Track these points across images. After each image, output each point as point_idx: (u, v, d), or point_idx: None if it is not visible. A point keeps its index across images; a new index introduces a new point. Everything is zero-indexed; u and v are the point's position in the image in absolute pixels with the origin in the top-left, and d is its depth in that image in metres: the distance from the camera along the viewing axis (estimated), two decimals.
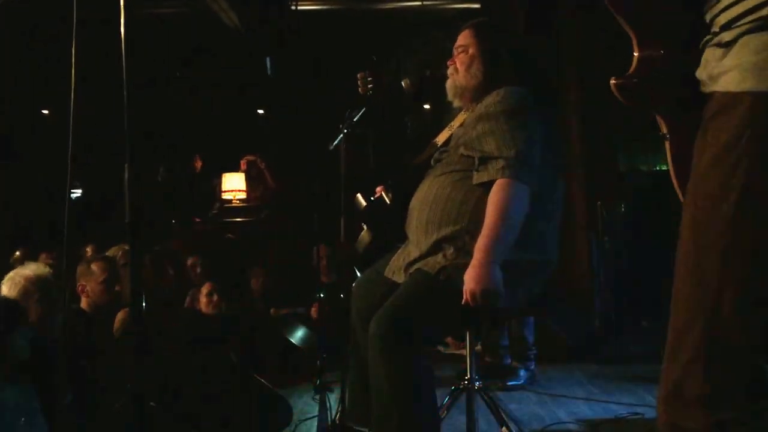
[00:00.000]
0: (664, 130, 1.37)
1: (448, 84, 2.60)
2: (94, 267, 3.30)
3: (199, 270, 5.09)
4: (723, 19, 1.22)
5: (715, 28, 1.24)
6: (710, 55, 1.24)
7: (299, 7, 7.24)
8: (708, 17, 1.26)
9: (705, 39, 1.26)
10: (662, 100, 1.37)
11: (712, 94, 1.23)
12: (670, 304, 1.28)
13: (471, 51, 2.53)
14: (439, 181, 2.46)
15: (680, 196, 1.35)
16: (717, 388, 1.20)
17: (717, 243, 1.20)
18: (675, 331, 1.25)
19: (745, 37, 1.17)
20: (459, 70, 2.55)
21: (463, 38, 2.57)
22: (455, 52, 2.58)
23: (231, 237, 7.11)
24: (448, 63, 2.60)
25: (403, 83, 2.79)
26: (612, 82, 1.36)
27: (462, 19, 2.61)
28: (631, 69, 1.36)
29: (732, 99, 1.18)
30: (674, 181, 1.37)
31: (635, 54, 1.36)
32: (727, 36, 1.20)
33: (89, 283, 3.28)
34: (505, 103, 2.38)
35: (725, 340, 1.19)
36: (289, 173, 7.44)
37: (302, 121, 7.35)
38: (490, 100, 2.42)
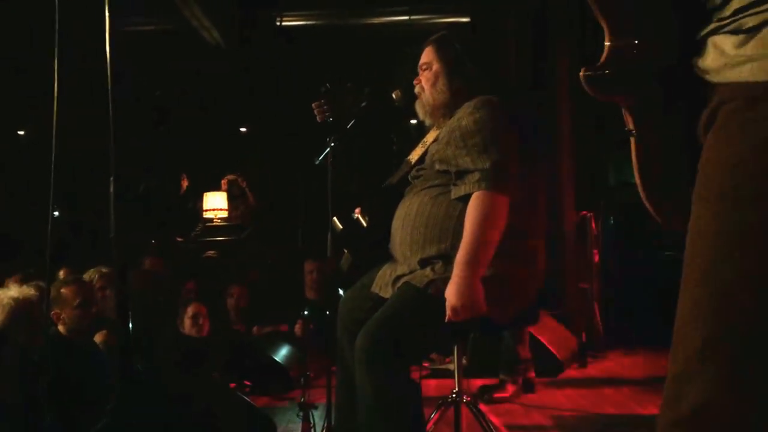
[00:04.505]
0: (631, 126, 1.28)
1: (417, 104, 2.56)
2: (65, 292, 3.19)
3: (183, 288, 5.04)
4: (738, 2, 1.12)
5: (725, 13, 1.15)
6: (722, 41, 1.15)
7: (284, 23, 7.24)
8: (711, 2, 1.17)
9: (713, 26, 1.17)
10: (633, 94, 1.28)
11: (721, 84, 1.13)
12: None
13: (435, 67, 2.49)
14: (419, 198, 2.44)
15: (642, 194, 1.27)
16: None
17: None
18: None
19: None
20: (425, 88, 2.52)
21: (426, 56, 2.53)
22: (420, 70, 2.54)
23: (211, 255, 7.04)
24: (415, 82, 2.55)
25: (393, 94, 2.76)
26: (581, 74, 1.27)
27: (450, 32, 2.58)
28: (603, 59, 1.27)
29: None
30: (638, 180, 1.28)
31: (607, 43, 1.24)
32: (750, 21, 1.09)
33: (64, 309, 3.18)
34: (477, 114, 2.34)
35: None
36: (272, 189, 7.40)
37: (287, 136, 7.33)
38: (462, 113, 2.39)
